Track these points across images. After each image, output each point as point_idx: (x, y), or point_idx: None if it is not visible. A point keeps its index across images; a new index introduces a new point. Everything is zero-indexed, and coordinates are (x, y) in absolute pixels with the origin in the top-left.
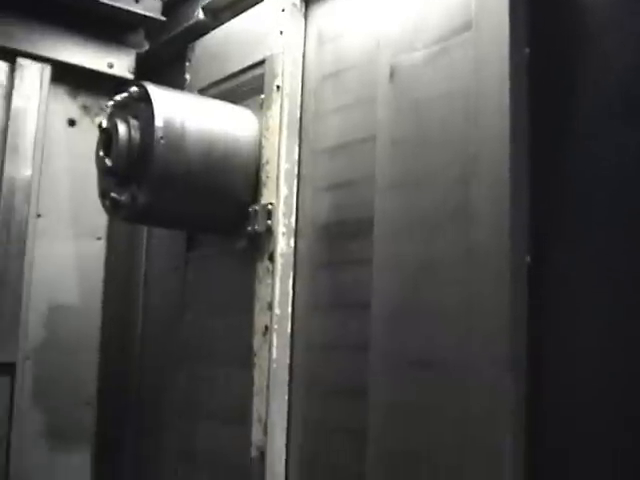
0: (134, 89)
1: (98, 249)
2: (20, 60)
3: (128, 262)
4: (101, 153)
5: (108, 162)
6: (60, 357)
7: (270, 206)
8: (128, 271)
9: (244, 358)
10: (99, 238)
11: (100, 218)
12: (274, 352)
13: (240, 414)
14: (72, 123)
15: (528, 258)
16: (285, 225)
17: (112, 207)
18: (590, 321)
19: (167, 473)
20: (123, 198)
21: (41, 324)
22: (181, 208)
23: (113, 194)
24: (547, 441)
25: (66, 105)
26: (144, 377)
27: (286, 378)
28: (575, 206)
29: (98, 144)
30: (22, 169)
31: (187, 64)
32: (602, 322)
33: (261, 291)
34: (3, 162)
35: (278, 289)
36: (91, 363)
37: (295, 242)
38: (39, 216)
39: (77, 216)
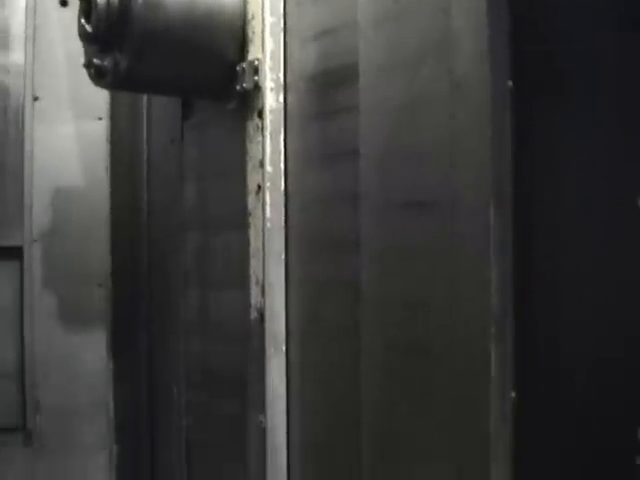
0: None
1: (100, 129)
2: None
3: (131, 140)
4: (82, 21)
5: (89, 28)
6: (70, 240)
7: (257, 62)
8: (132, 149)
9: (242, 221)
10: (100, 118)
11: (100, 98)
12: (268, 211)
13: (241, 278)
14: (64, 3)
15: (510, 83)
16: (273, 80)
17: (96, 75)
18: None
19: (178, 347)
20: (106, 63)
21: (47, 207)
22: (166, 70)
23: (96, 60)
24: (536, 266)
25: None
26: (152, 254)
27: (282, 237)
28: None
29: (79, 13)
30: (15, 51)
31: None
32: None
33: (252, 150)
34: None
35: (269, 146)
36: (102, 244)
37: (284, 97)
38: (36, 99)
39: (76, 97)
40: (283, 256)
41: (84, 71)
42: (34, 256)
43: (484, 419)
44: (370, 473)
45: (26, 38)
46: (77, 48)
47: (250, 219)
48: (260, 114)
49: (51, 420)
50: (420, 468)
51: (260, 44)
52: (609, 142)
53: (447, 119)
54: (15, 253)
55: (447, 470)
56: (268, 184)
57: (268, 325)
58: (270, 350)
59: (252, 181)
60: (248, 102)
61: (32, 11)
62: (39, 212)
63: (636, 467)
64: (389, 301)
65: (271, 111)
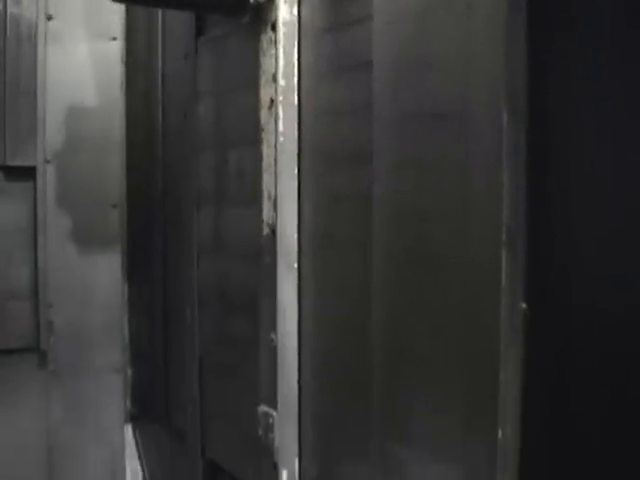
0: None
1: (115, 50)
2: None
3: (146, 61)
4: None
5: None
6: (84, 160)
7: None
8: (147, 69)
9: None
10: (114, 38)
11: (115, 18)
12: (280, 125)
13: (255, 195)
14: None
15: None
16: None
17: None
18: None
19: (192, 270)
20: None
21: (61, 127)
22: None
23: None
24: (550, 177)
25: None
26: (167, 177)
27: (294, 151)
28: None
29: None
30: None
31: None
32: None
33: (265, 63)
34: None
35: (282, 59)
36: (116, 165)
37: (298, 9)
38: (50, 18)
39: (90, 17)
40: (296, 171)
41: None
42: (48, 176)
43: (494, 330)
44: (380, 388)
45: None
46: None
47: (263, 134)
48: (273, 27)
49: (65, 342)
50: (430, 383)
51: None
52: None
53: (462, 28)
54: (29, 173)
55: (457, 380)
56: (281, 98)
57: (280, 241)
58: (282, 266)
59: (265, 95)
60: (262, 15)
61: None
62: (53, 132)
63: None
64: (402, 214)
65: (284, 24)
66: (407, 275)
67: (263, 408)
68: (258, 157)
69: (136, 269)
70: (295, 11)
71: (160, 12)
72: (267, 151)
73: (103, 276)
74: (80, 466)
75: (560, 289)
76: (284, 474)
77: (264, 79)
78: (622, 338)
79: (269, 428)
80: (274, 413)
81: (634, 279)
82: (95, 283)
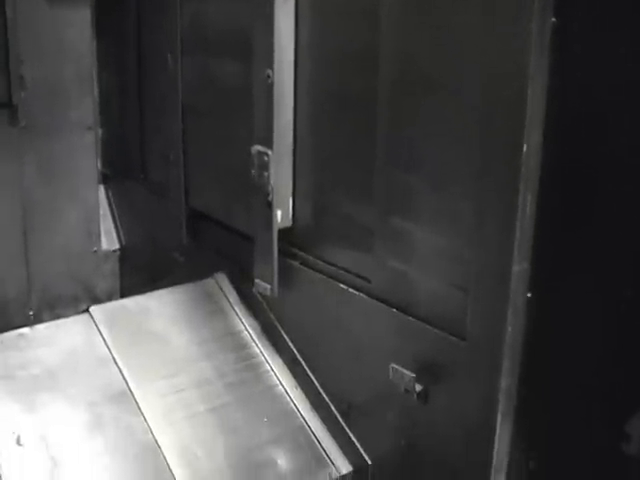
0: None
1: None
2: None
3: None
4: None
5: None
6: None
7: None
8: None
9: None
10: None
11: None
12: None
13: None
14: None
15: None
16: None
17: None
18: None
19: (174, 13)
20: None
21: None
22: None
23: None
24: None
25: None
26: None
27: None
28: None
29: None
30: None
31: None
32: None
33: None
34: None
35: None
36: None
37: None
38: None
39: None
40: None
41: None
42: None
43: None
44: (387, 120)
45: None
46: None
47: None
48: None
49: (37, 97)
50: (444, 112)
51: None
52: None
53: None
54: None
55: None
56: None
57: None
58: None
59: None
60: None
61: None
62: None
63: None
64: None
65: None
66: None
67: (257, 147)
68: None
69: (106, 24)
70: None
71: None
72: None
73: (73, 31)
74: (55, 226)
75: None
76: (278, 213)
77: None
78: None
79: (264, 166)
80: (269, 151)
81: None
82: (66, 38)
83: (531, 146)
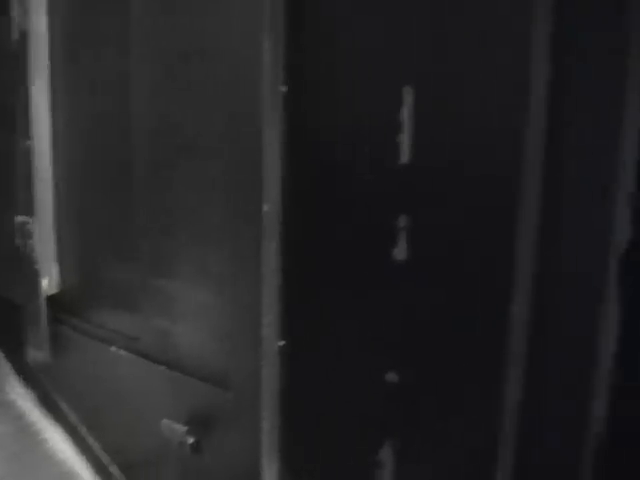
0: None
1: None
2: None
3: None
4: None
5: None
6: None
7: None
8: None
9: None
10: None
11: None
12: None
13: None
14: None
15: None
16: None
17: None
18: None
19: None
20: None
21: None
22: None
23: None
24: None
25: None
26: None
27: None
28: None
29: None
30: None
31: None
32: None
33: None
34: None
35: None
36: None
37: None
38: None
39: None
40: None
41: None
42: None
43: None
44: (143, 180)
45: None
46: None
47: None
48: None
49: None
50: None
51: None
52: None
53: None
54: None
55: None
56: None
57: (32, 44)
58: (35, 69)
59: None
60: None
61: None
62: None
63: None
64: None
65: None
66: (170, 64)
67: (20, 218)
68: None
69: None
70: None
71: None
72: None
73: None
74: None
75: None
76: (45, 280)
77: None
78: None
79: (27, 236)
80: (31, 221)
81: None
82: None
83: (271, 204)
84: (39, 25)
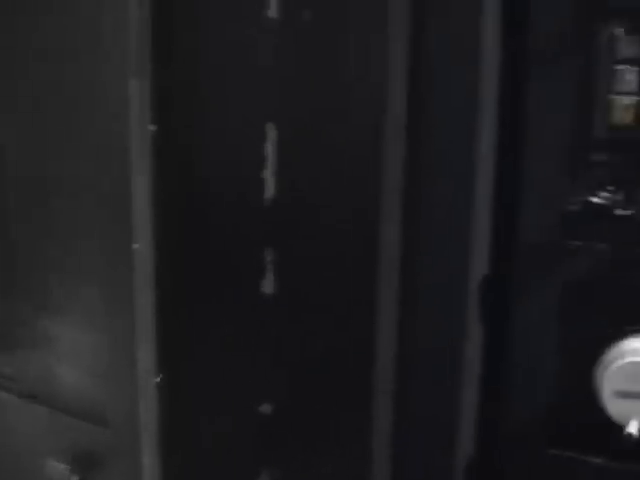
0: None
1: None
2: None
3: None
4: None
5: None
6: None
7: None
8: None
9: None
10: None
11: None
12: None
13: None
14: None
15: None
16: None
17: None
18: None
19: None
20: None
21: None
22: None
23: None
24: None
25: None
26: None
27: None
28: None
29: None
30: None
31: None
32: None
33: None
34: None
35: None
36: None
37: None
38: None
39: None
40: None
41: None
42: None
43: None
44: (16, 217)
45: None
46: None
47: None
48: None
49: None
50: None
51: None
52: None
53: None
54: None
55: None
56: None
57: None
58: None
59: None
60: None
61: None
62: None
63: None
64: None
65: None
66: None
67: None
68: None
69: None
70: None
71: None
72: None
73: None
74: None
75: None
76: None
77: None
78: None
79: None
80: None
81: None
82: None
83: (141, 243)
84: None
